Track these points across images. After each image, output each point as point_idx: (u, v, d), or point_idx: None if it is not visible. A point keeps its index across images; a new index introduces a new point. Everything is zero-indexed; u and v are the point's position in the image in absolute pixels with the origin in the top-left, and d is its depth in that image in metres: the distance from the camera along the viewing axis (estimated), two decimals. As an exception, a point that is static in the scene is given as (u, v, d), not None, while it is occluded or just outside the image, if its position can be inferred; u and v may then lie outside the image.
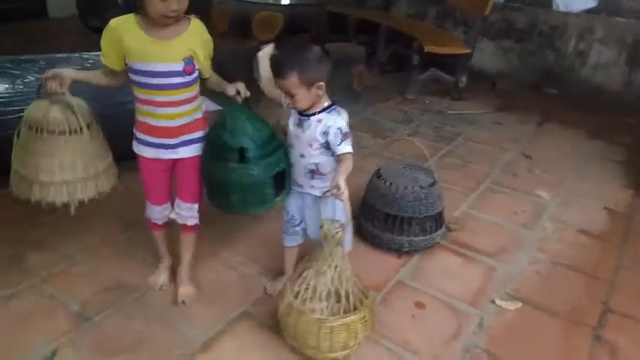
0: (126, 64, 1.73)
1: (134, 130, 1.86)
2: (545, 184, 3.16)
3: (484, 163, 3.40)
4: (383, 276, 2.27)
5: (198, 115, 1.85)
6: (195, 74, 1.77)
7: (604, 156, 3.64)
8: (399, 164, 2.57)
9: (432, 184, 2.39)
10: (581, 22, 4.70)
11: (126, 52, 1.69)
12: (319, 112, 1.79)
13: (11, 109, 2.56)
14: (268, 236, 2.47)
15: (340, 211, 1.81)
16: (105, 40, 1.71)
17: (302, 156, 1.85)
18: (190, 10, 1.71)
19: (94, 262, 2.25)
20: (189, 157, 1.87)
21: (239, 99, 1.79)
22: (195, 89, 1.81)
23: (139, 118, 1.82)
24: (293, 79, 1.70)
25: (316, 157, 1.83)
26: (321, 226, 1.73)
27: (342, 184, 1.63)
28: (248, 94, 1.80)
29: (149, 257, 2.28)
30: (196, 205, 1.97)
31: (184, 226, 2.03)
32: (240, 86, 1.79)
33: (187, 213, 1.97)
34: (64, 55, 2.85)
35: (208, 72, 1.84)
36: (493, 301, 2.16)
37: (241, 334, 1.93)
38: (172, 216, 2.00)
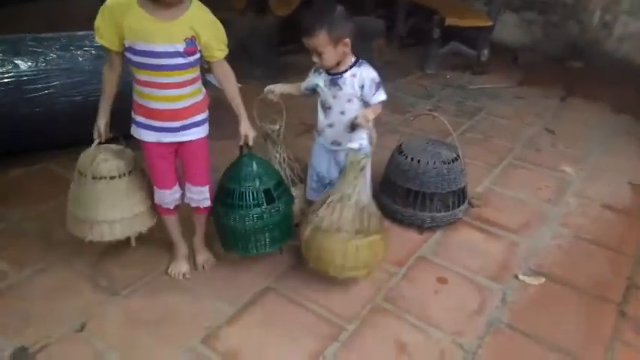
0: (124, 46, 1.68)
1: (133, 114, 1.82)
2: (570, 159, 3.12)
3: (507, 138, 3.36)
4: (405, 252, 2.27)
5: (200, 97, 1.83)
6: (197, 55, 1.72)
7: (630, 130, 3.56)
8: (420, 139, 2.55)
9: (455, 160, 2.37)
10: (607, -7, 4.57)
11: (126, 31, 1.63)
12: (350, 67, 1.95)
13: (35, 86, 2.60)
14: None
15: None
16: (102, 19, 1.65)
17: (342, 113, 2.01)
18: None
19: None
20: (194, 140, 1.85)
21: (245, 150, 1.90)
22: (196, 71, 1.77)
23: (139, 100, 1.77)
24: (322, 37, 1.83)
25: (356, 110, 1.97)
26: (346, 155, 1.89)
27: (371, 116, 1.89)
28: (254, 140, 1.89)
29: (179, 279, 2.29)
30: (207, 187, 1.96)
31: (197, 209, 2.03)
32: (250, 137, 1.87)
33: (199, 196, 1.96)
34: (85, 32, 2.85)
35: (215, 56, 1.77)
36: (516, 276, 2.16)
37: (266, 307, 1.96)
38: (185, 200, 1.99)
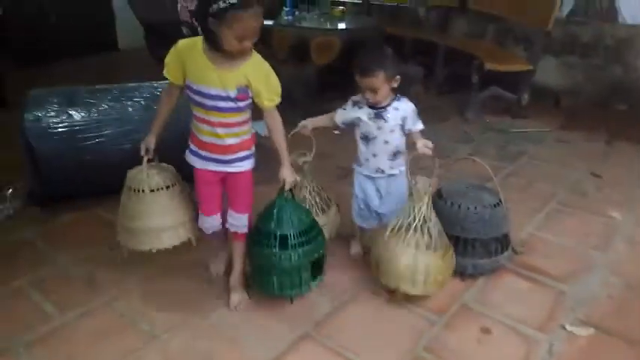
0: (185, 83, 1.91)
1: (189, 142, 2.04)
2: (617, 204, 3.01)
3: (550, 183, 3.28)
4: (446, 299, 2.22)
5: (247, 136, 2.01)
6: (248, 101, 1.90)
7: (679, 174, 3.43)
8: (461, 183, 2.52)
9: (497, 205, 2.33)
10: (650, 35, 4.50)
11: (187, 71, 1.88)
12: (392, 102, 2.18)
13: (88, 135, 2.73)
14: (332, 261, 2.49)
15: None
16: (171, 57, 1.90)
17: (386, 142, 2.21)
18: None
19: (163, 280, 2.34)
20: (239, 172, 2.02)
21: (286, 193, 2.03)
22: (247, 114, 1.96)
23: (194, 131, 2.00)
24: (380, 76, 2.07)
25: (397, 139, 2.22)
26: (414, 183, 2.11)
27: (429, 144, 2.16)
28: (292, 185, 2.04)
29: (215, 277, 2.34)
30: (247, 215, 2.11)
31: (236, 234, 2.16)
32: (288, 182, 2.01)
33: (238, 222, 2.11)
34: (136, 84, 3.01)
35: (265, 105, 1.92)
36: (563, 327, 2.06)
37: (302, 355, 1.93)
38: (227, 226, 2.15)
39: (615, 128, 4.18)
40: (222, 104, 1.87)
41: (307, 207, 2.32)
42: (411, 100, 3.98)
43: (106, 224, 2.61)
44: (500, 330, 2.06)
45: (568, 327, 2.06)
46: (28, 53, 5.79)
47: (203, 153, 1.99)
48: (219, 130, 1.92)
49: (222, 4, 1.67)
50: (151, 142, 2.07)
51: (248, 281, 2.23)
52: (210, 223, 2.14)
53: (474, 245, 2.30)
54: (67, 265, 2.44)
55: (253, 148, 2.05)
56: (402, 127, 2.19)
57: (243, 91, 1.86)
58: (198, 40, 1.84)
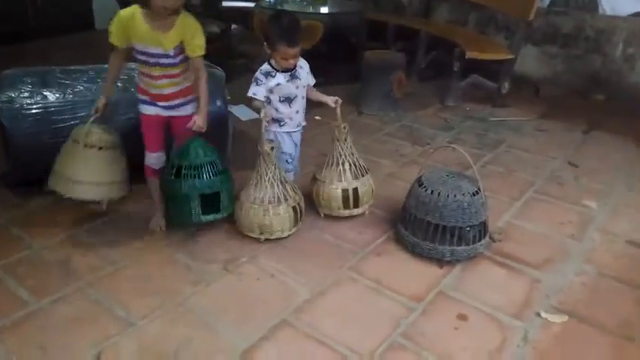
0: (129, 45, 2.22)
1: (138, 95, 2.38)
2: (593, 194, 3.06)
3: (528, 172, 3.32)
4: (424, 286, 2.23)
5: (187, 84, 2.34)
6: (182, 56, 2.25)
7: (655, 164, 3.49)
8: (441, 171, 2.53)
9: (476, 193, 2.34)
10: (628, 26, 4.54)
11: (131, 36, 2.19)
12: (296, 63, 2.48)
13: (63, 117, 2.66)
14: (309, 247, 2.48)
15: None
16: (115, 25, 2.19)
17: (303, 98, 2.55)
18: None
19: (138, 267, 2.31)
20: (183, 116, 2.35)
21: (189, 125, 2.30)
22: (183, 66, 2.29)
23: (142, 85, 2.34)
24: (301, 44, 2.40)
25: (304, 93, 2.56)
26: (336, 126, 2.58)
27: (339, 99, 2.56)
28: (203, 129, 2.32)
29: (192, 263, 2.33)
30: None
31: None
32: (198, 125, 2.29)
33: None
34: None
35: (194, 55, 2.24)
36: (538, 314, 2.10)
37: (282, 341, 1.94)
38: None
39: (593, 118, 4.24)
40: (163, 60, 2.22)
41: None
42: (391, 85, 4.08)
43: (79, 208, 2.57)
44: (477, 317, 2.08)
45: (543, 314, 2.09)
46: (1, 33, 5.61)
47: (152, 101, 2.33)
48: (162, 82, 2.27)
49: None
50: (101, 102, 2.33)
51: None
52: (156, 159, 2.43)
53: (453, 233, 2.32)
54: (42, 250, 2.39)
55: (193, 95, 2.36)
56: (306, 80, 2.54)
57: (178, 48, 2.21)
58: (136, 9, 2.15)
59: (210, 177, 2.33)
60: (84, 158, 2.28)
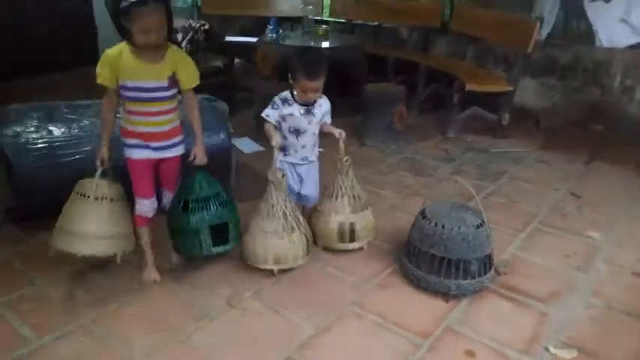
0: (118, 85, 2.13)
1: (123, 139, 2.24)
2: (597, 225, 3.05)
3: (531, 203, 3.32)
4: (430, 321, 2.21)
5: (178, 123, 2.30)
6: (174, 90, 2.22)
7: (657, 194, 3.49)
8: (444, 204, 2.53)
9: (480, 225, 2.34)
10: (626, 58, 4.61)
11: (120, 74, 2.11)
12: (317, 99, 2.51)
13: (67, 152, 2.68)
14: (312, 281, 2.47)
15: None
16: (103, 65, 2.12)
17: (313, 134, 2.57)
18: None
19: (141, 302, 2.29)
20: (173, 157, 2.31)
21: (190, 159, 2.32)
22: (176, 102, 2.26)
23: (129, 127, 2.21)
24: (323, 78, 2.42)
25: (317, 130, 2.58)
26: (339, 160, 2.60)
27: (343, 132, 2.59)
28: (204, 161, 2.33)
29: (195, 298, 2.31)
30: None
31: None
32: (200, 158, 2.31)
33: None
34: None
35: (188, 84, 2.24)
36: (547, 349, 2.07)
37: (287, 379, 1.91)
38: (162, 204, 2.40)
39: (594, 149, 4.26)
40: (159, 94, 2.17)
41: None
42: (392, 118, 4.11)
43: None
44: (485, 353, 2.05)
45: (552, 349, 2.07)
46: (8, 67, 5.70)
47: (142, 143, 2.22)
48: (159, 118, 2.20)
49: (125, 3, 1.96)
50: (105, 152, 2.22)
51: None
52: (150, 206, 2.33)
53: (458, 266, 2.31)
54: (45, 285, 2.38)
55: (183, 136, 2.33)
56: (321, 120, 2.57)
57: (171, 79, 2.18)
58: (123, 46, 2.11)
59: (217, 208, 2.33)
60: (95, 212, 2.17)
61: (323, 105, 2.55)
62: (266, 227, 2.41)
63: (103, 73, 2.13)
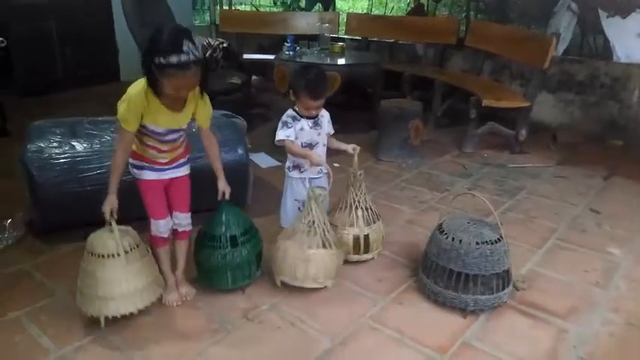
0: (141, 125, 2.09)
1: (135, 162, 2.21)
2: (616, 241, 3.02)
3: (549, 218, 3.29)
4: (448, 337, 2.19)
5: (184, 147, 2.32)
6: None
7: (678, 210, 3.44)
8: (462, 218, 2.52)
9: (498, 240, 2.33)
10: (644, 73, 4.59)
11: (145, 118, 2.06)
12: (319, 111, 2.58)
13: (89, 166, 2.74)
14: (329, 294, 2.47)
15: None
16: (129, 111, 2.01)
17: (324, 145, 2.64)
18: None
19: (159, 313, 2.31)
20: (182, 176, 2.31)
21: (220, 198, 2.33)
22: (184, 134, 2.28)
23: (143, 154, 2.20)
24: (326, 95, 2.53)
25: (325, 141, 2.64)
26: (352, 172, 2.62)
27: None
28: (229, 191, 2.33)
29: (213, 310, 2.32)
30: (190, 214, 2.37)
31: (182, 234, 2.39)
32: (227, 192, 2.33)
33: (185, 221, 2.37)
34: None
35: (205, 127, 2.28)
36: (567, 366, 2.05)
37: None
38: (173, 227, 2.34)
39: (612, 164, 4.22)
40: (175, 136, 2.20)
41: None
42: (409, 133, 4.14)
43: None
44: (503, 368, 2.03)
45: (571, 366, 2.04)
46: (32, 84, 5.86)
47: (154, 166, 2.22)
48: (166, 154, 2.22)
49: (162, 60, 1.86)
50: (114, 202, 2.09)
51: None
52: (165, 225, 2.29)
53: (476, 281, 2.29)
54: (65, 296, 2.41)
55: (188, 157, 2.34)
56: (327, 129, 2.63)
57: (190, 122, 2.22)
58: (146, 89, 2.00)
59: (255, 235, 2.44)
60: (122, 266, 2.07)
61: (325, 115, 2.63)
62: (311, 244, 2.37)
63: (129, 120, 2.03)
